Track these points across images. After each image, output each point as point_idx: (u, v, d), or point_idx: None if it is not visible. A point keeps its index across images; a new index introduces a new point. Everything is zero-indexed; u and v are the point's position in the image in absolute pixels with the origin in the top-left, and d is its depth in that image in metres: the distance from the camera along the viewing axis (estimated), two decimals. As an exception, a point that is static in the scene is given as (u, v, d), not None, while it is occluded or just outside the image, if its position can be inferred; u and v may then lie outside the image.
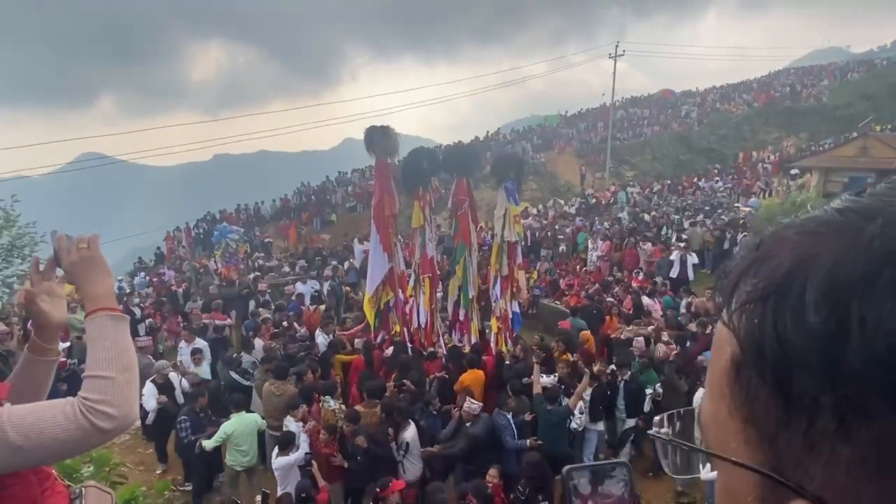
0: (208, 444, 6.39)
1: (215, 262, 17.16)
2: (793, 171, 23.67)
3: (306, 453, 6.05)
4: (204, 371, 8.47)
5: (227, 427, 6.47)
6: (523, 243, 10.79)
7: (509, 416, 6.48)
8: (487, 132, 37.63)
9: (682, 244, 14.08)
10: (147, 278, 16.80)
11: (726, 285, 0.44)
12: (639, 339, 8.22)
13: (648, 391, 7.23)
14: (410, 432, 6.23)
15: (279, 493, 5.77)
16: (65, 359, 7.57)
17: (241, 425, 6.50)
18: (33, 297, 1.37)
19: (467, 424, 6.38)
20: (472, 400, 6.57)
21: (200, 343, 9.07)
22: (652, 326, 9.00)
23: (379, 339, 8.95)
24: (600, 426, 7.18)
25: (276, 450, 6.08)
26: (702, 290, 13.44)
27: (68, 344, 8.34)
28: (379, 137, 8.09)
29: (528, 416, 6.45)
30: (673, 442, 0.56)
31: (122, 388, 1.18)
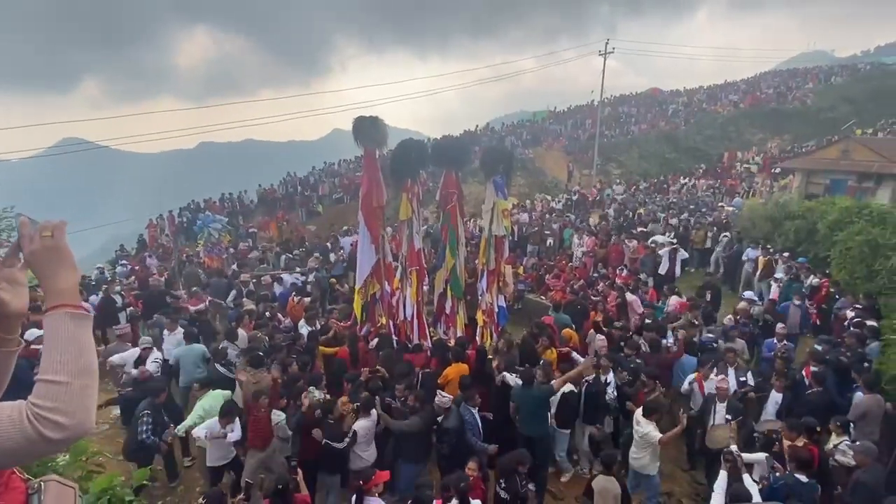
0: (183, 426, 6.48)
1: (199, 251, 16.94)
2: (775, 171, 24.02)
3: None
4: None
5: (203, 404, 6.57)
6: (510, 238, 10.78)
7: (475, 412, 6.49)
8: (476, 126, 37.56)
9: (674, 241, 14.23)
10: (129, 266, 16.49)
11: None
12: (601, 337, 8.58)
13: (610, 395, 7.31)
14: (361, 422, 6.23)
15: (207, 463, 6.03)
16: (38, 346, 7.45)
17: (215, 402, 6.57)
18: None
19: (440, 419, 6.40)
20: (444, 393, 6.61)
21: (180, 333, 8.96)
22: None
23: (364, 331, 8.93)
24: (567, 430, 7.26)
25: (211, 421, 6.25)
26: (686, 287, 13.64)
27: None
28: (368, 128, 8.01)
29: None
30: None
31: (76, 395, 1.07)
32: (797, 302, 10.12)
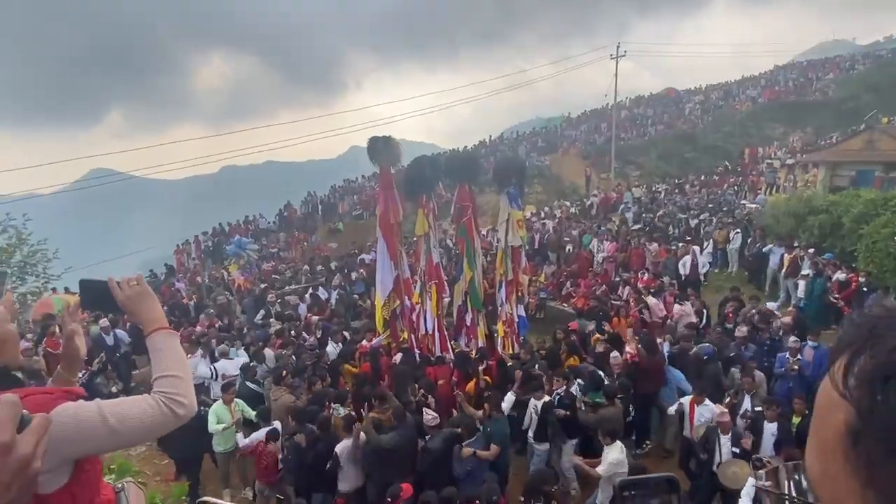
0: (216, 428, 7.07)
1: (227, 273, 17.41)
2: (790, 162, 23.60)
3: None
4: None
5: (215, 409, 7.18)
6: (527, 247, 10.89)
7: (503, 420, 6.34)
8: (490, 136, 37.79)
9: (697, 244, 14.13)
10: (160, 291, 17.02)
11: (838, 354, 0.49)
12: (615, 354, 7.83)
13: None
14: (341, 445, 6.20)
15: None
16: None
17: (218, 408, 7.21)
18: (72, 335, 1.72)
19: (427, 437, 6.28)
20: (429, 411, 6.49)
21: (199, 355, 9.24)
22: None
23: (376, 342, 9.06)
24: (546, 446, 6.88)
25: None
26: (710, 289, 13.51)
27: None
28: (381, 148, 8.27)
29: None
30: (789, 498, 0.61)
31: (187, 384, 1.49)
32: (812, 344, 7.87)
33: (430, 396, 7.11)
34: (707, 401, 6.69)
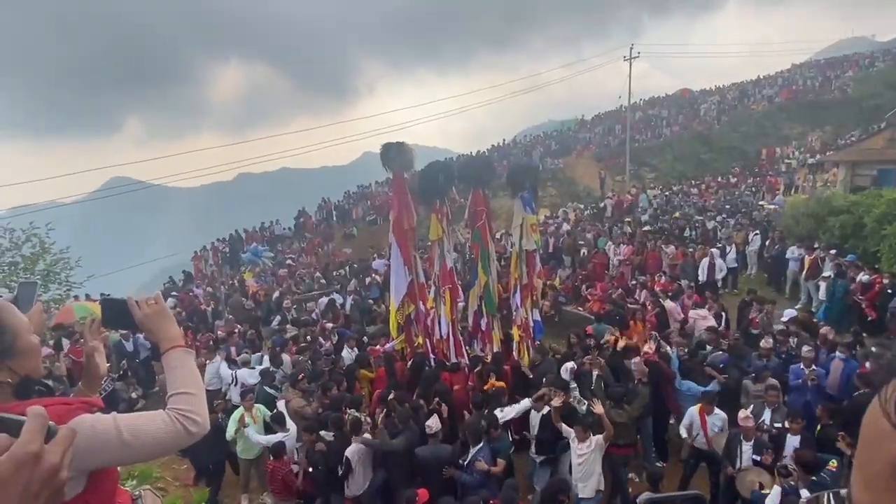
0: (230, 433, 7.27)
1: (243, 280, 17.62)
2: (809, 161, 23.21)
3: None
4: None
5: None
6: (541, 251, 10.85)
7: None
8: (503, 139, 37.78)
9: (716, 246, 13.95)
10: (178, 297, 17.22)
11: (884, 379, 0.47)
12: (638, 361, 7.50)
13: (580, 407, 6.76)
14: (351, 449, 6.25)
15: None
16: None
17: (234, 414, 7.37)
18: (92, 352, 1.79)
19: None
20: (434, 419, 6.42)
21: (218, 361, 9.42)
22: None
23: (389, 346, 9.11)
24: (545, 457, 6.74)
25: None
26: (730, 293, 13.33)
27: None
28: (394, 153, 8.31)
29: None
30: None
31: (201, 402, 1.52)
32: (842, 356, 7.45)
33: (443, 404, 7.10)
34: (717, 410, 6.54)
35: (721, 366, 7.72)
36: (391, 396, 7.24)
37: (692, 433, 6.60)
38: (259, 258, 17.28)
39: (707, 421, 6.50)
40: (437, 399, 7.18)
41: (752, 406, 6.63)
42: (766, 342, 8.07)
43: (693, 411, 6.64)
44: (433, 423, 6.31)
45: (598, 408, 6.04)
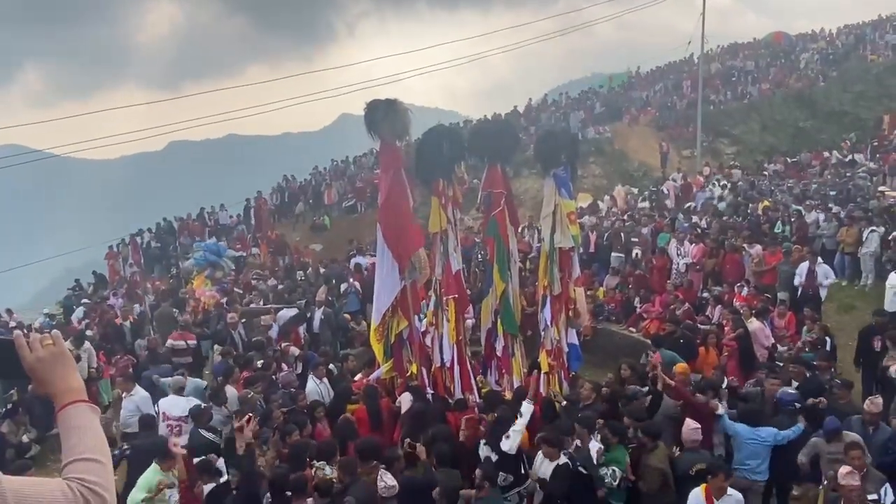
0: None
1: (191, 287, 17.61)
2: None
3: None
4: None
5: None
6: (581, 250, 10.83)
7: None
8: (530, 100, 37.75)
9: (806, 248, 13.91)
10: (88, 308, 17.27)
11: None
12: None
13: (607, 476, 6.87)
14: None
15: None
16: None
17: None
18: None
19: None
20: (386, 476, 6.52)
21: (139, 394, 9.42)
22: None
23: (374, 376, 9.09)
24: None
25: None
26: (833, 309, 13.27)
27: None
28: (383, 115, 8.31)
29: None
30: None
31: (108, 472, 1.56)
32: None
33: (417, 446, 7.16)
34: (731, 490, 6.15)
35: (789, 408, 7.74)
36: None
37: None
38: (221, 258, 17.24)
39: None
40: (408, 442, 7.21)
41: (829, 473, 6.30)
42: (873, 403, 7.50)
43: (699, 493, 6.21)
44: (388, 480, 6.41)
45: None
